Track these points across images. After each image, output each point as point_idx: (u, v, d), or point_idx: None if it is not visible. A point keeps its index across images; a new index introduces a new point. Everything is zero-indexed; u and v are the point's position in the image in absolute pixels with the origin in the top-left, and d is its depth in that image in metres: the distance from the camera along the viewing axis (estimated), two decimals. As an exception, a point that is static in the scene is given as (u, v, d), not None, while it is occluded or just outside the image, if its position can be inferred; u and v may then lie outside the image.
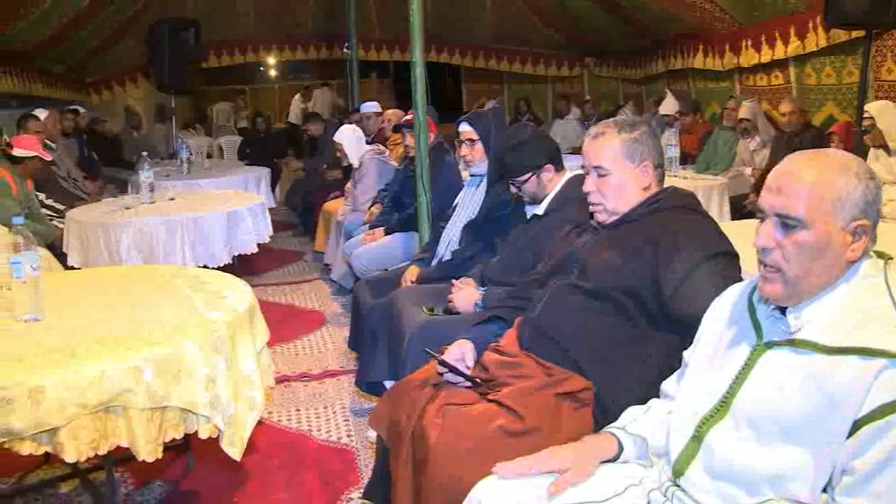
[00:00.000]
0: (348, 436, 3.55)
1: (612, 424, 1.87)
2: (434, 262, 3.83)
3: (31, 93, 7.89)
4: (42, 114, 6.83)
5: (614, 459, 1.80)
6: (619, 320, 2.16)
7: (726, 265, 2.09)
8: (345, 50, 9.40)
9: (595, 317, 2.19)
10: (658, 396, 1.92)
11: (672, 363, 1.94)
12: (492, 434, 2.03)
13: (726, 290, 1.78)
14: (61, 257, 5.09)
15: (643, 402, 1.92)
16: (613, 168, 2.25)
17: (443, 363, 2.29)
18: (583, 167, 2.35)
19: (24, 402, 2.15)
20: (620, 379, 2.12)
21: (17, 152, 5.51)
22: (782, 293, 1.51)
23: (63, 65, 8.99)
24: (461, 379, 2.27)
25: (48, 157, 5.95)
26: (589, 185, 2.29)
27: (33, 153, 5.56)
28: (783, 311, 1.54)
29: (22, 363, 2.25)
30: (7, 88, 7.13)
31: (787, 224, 1.48)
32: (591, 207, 2.32)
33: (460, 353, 2.36)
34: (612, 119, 2.37)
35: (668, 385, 1.89)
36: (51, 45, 7.74)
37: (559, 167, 3.11)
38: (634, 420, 1.85)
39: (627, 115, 8.77)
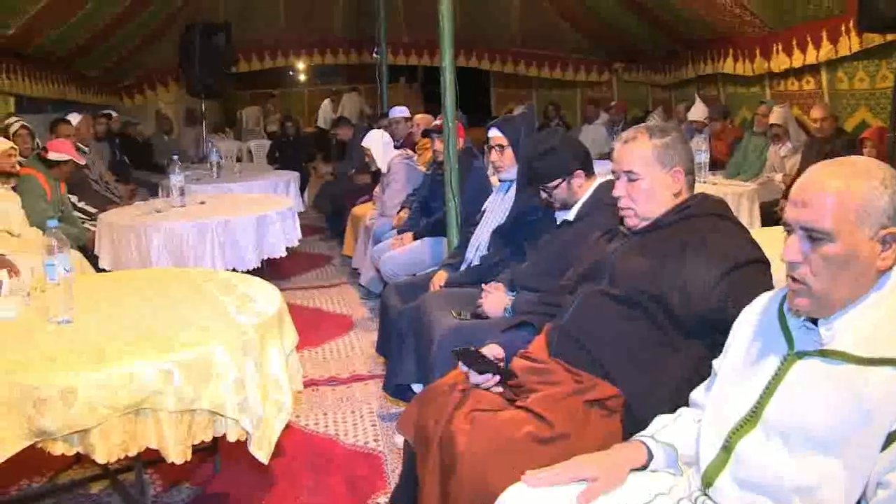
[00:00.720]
0: (375, 440, 3.56)
1: (641, 433, 1.86)
2: (463, 267, 3.82)
3: (65, 97, 8.00)
4: (75, 118, 6.94)
5: (644, 468, 1.79)
6: (648, 327, 2.15)
7: (757, 273, 2.08)
8: (374, 55, 9.42)
9: (624, 324, 2.18)
10: (687, 404, 1.91)
11: (701, 371, 1.92)
12: (520, 440, 2.02)
13: (756, 299, 1.76)
14: (93, 259, 5.15)
15: (672, 410, 1.91)
16: (644, 173, 2.24)
17: (466, 359, 2.28)
18: (613, 172, 2.34)
19: (56, 403, 2.18)
20: (649, 386, 2.11)
21: (51, 156, 5.60)
22: (810, 307, 1.50)
23: (96, 69, 9.10)
24: (488, 376, 2.26)
25: (82, 161, 6.04)
26: (619, 189, 2.28)
27: (67, 157, 5.65)
28: (815, 321, 1.52)
29: (55, 364, 2.28)
30: (42, 93, 7.23)
31: (814, 237, 1.46)
32: (620, 212, 2.32)
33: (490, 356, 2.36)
34: (643, 124, 2.37)
35: (697, 394, 1.87)
36: (85, 50, 7.84)
37: (589, 173, 3.10)
38: (664, 428, 1.83)
39: (656, 120, 8.74)
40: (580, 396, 2.12)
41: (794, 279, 1.50)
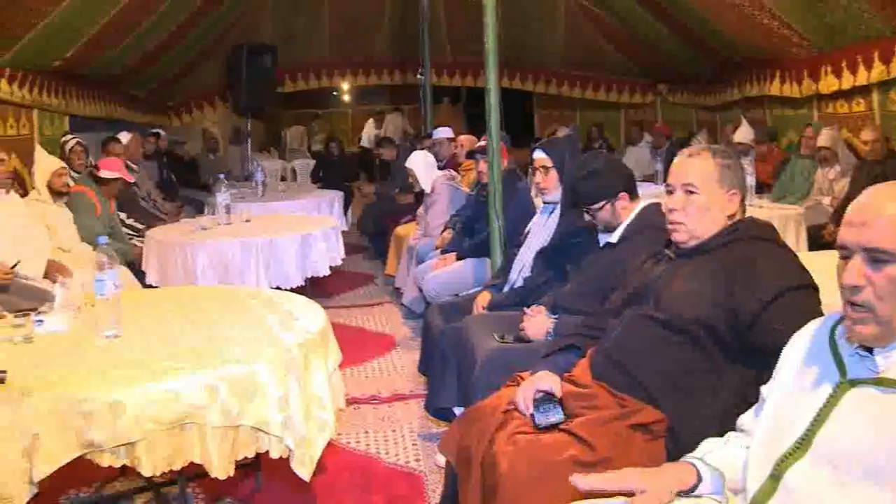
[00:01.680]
0: (416, 460, 3.56)
1: (690, 454, 1.83)
2: (506, 289, 3.81)
3: (115, 116, 8.18)
4: (125, 137, 7.11)
5: (691, 490, 1.75)
6: (694, 352, 2.13)
7: (807, 298, 2.05)
8: (418, 76, 9.47)
9: (669, 348, 2.16)
10: (733, 430, 1.87)
11: (748, 398, 1.89)
12: (562, 464, 2.01)
13: (807, 325, 1.73)
14: (140, 275, 5.24)
15: (718, 436, 1.88)
16: (703, 189, 2.22)
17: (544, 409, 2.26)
18: (668, 185, 2.32)
19: (104, 416, 2.22)
20: (695, 412, 2.09)
21: (102, 173, 5.73)
22: (875, 334, 1.45)
23: (145, 90, 9.29)
24: (560, 418, 2.23)
25: (131, 179, 6.17)
26: (674, 202, 2.26)
27: (117, 175, 5.76)
28: (869, 349, 1.49)
29: (103, 378, 2.32)
30: (94, 113, 7.41)
31: (877, 258, 1.42)
32: (670, 225, 2.29)
33: (535, 388, 2.32)
34: (706, 144, 2.36)
35: (745, 419, 1.84)
36: (134, 71, 8.03)
37: (634, 195, 3.08)
38: (712, 452, 1.80)
39: (700, 142, 8.65)
40: (624, 421, 2.10)
41: (854, 305, 1.46)
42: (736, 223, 2.25)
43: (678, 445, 2.04)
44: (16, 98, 5.50)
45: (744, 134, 7.95)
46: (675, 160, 2.31)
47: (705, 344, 2.10)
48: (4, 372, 1.93)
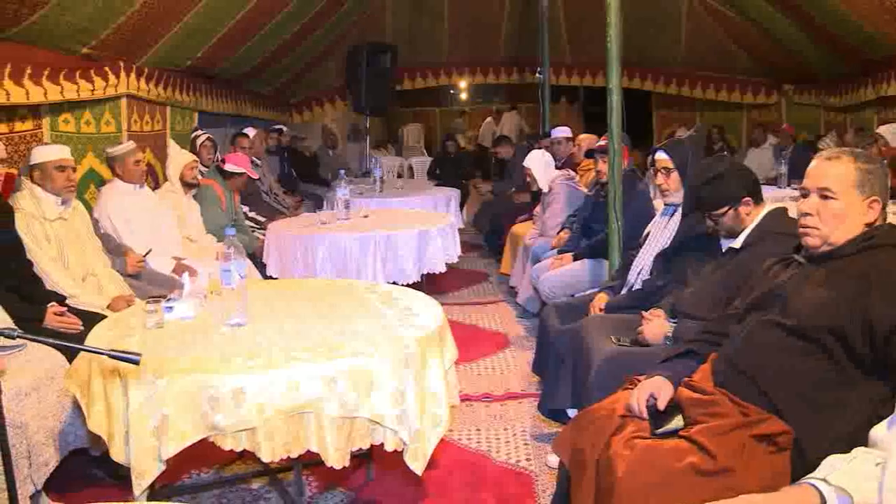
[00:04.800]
0: (527, 460, 3.54)
1: (811, 475, 1.75)
2: (623, 291, 3.76)
3: (240, 113, 8.47)
4: (251, 132, 7.35)
5: None
6: (824, 362, 2.05)
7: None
8: (537, 75, 9.41)
9: (797, 357, 2.08)
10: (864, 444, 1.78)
11: (881, 413, 1.82)
12: (681, 471, 1.97)
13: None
14: (260, 267, 5.41)
15: (847, 451, 1.79)
16: (840, 194, 2.13)
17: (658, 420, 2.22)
18: (802, 188, 2.22)
19: (227, 402, 2.31)
20: (823, 425, 2.01)
21: (228, 167, 5.94)
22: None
23: (269, 87, 9.58)
24: (679, 424, 2.19)
25: (255, 176, 6.39)
26: (808, 206, 2.18)
27: (242, 170, 5.96)
28: None
29: (228, 365, 2.40)
30: (221, 109, 7.69)
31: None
32: (801, 230, 2.21)
33: (649, 392, 2.28)
34: (846, 148, 2.25)
35: (878, 430, 1.75)
36: (258, 70, 8.29)
37: (758, 200, 2.98)
38: (837, 470, 1.71)
39: (829, 145, 8.29)
40: (747, 430, 2.04)
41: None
42: (873, 229, 2.15)
43: (804, 460, 1.97)
44: (151, 96, 5.77)
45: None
46: (813, 162, 2.22)
47: (836, 354, 2.02)
48: (139, 355, 2.03)
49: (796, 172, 6.86)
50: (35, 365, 3.07)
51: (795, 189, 6.58)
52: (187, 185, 5.52)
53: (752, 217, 2.95)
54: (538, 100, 9.52)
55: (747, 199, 2.94)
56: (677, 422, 2.18)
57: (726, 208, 2.96)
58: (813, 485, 1.70)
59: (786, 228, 2.75)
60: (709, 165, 3.11)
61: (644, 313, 3.17)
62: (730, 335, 2.34)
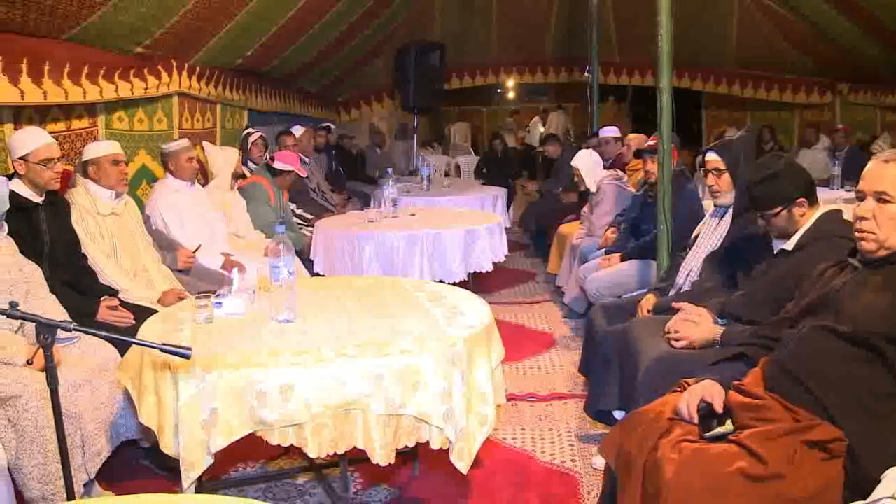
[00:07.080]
0: (572, 461, 3.52)
1: (878, 494, 1.69)
2: (672, 293, 3.71)
3: (289, 110, 8.55)
4: (299, 130, 7.43)
5: None
6: (880, 369, 2.01)
7: None
8: (586, 74, 9.36)
9: (852, 364, 2.05)
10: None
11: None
12: (730, 476, 1.95)
13: None
14: (307, 264, 5.45)
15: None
16: None
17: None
18: (858, 191, 2.18)
19: (275, 397, 2.33)
20: (879, 433, 1.97)
21: (277, 165, 5.99)
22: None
23: (317, 86, 9.66)
24: (728, 428, 2.16)
25: (303, 174, 6.43)
26: (864, 209, 2.13)
27: (291, 168, 6.02)
28: None
29: (276, 361, 2.42)
30: (271, 107, 7.78)
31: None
32: (858, 234, 2.16)
33: (700, 396, 2.25)
34: None
35: None
36: (307, 69, 8.36)
37: (812, 201, 2.91)
38: None
39: (882, 147, 8.11)
40: (798, 436, 2.01)
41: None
42: (934, 233, 2.09)
43: (857, 470, 1.93)
44: (203, 94, 5.86)
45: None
46: (869, 165, 2.16)
47: (892, 361, 1.98)
48: (190, 349, 2.06)
49: (849, 174, 6.73)
50: (88, 357, 3.13)
51: (850, 191, 6.44)
52: (234, 178, 5.66)
53: (807, 218, 2.89)
54: (585, 99, 9.48)
55: (801, 199, 2.87)
56: (727, 426, 2.15)
57: (780, 208, 2.89)
58: None
59: (840, 231, 2.69)
60: (764, 164, 3.04)
61: (688, 308, 3.11)
62: (782, 340, 2.30)
